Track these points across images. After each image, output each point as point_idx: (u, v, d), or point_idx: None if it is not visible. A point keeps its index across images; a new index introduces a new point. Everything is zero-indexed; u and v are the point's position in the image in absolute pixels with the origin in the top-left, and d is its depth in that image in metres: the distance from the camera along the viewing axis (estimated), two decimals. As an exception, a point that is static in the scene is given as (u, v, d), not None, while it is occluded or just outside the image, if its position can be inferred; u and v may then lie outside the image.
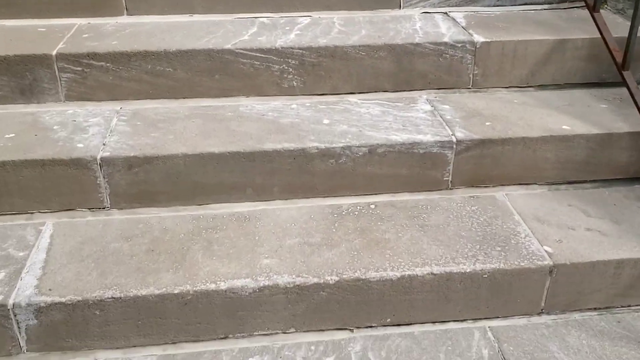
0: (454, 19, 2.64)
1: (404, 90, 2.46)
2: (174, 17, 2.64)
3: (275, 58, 2.34)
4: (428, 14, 2.71)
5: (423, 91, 2.46)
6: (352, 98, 2.42)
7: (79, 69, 2.28)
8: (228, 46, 2.32)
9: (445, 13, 2.72)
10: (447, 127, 2.19)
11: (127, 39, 2.38)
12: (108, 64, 2.28)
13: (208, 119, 2.25)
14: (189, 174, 2.05)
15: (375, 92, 2.45)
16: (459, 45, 2.40)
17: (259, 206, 2.12)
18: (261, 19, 2.63)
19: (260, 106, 2.35)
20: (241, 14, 2.67)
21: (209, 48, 2.31)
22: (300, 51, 2.34)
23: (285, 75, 2.38)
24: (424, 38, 2.41)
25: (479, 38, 2.42)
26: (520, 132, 2.17)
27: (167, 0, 2.61)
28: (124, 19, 2.61)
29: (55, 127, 2.17)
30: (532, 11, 2.76)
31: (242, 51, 2.32)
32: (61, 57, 2.25)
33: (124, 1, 2.59)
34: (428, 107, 2.34)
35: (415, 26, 2.55)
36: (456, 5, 2.76)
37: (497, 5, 2.78)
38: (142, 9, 2.62)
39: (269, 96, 2.41)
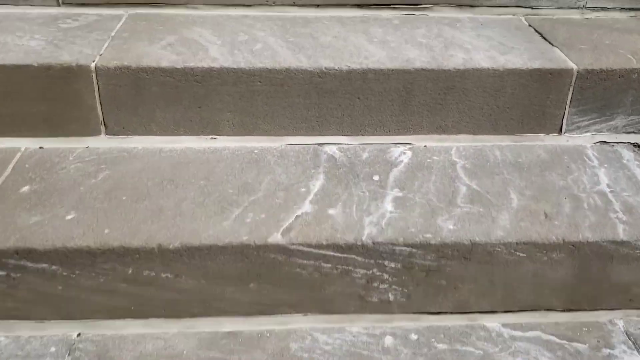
0: (657, 162, 1.54)
1: (584, 310, 1.38)
2: (186, 139, 1.57)
3: (360, 259, 1.28)
4: (608, 146, 1.61)
5: (616, 311, 1.38)
6: (492, 323, 1.35)
7: (3, 273, 1.24)
8: (276, 237, 1.25)
9: (637, 145, 1.62)
10: None
11: (94, 202, 1.33)
12: (55, 267, 1.24)
13: (234, 380, 1.20)
14: None
15: (533, 310, 1.37)
16: (697, 243, 1.31)
17: None
18: (329, 149, 1.56)
19: (329, 339, 1.29)
20: (295, 138, 1.59)
21: (241, 243, 1.24)
22: (407, 249, 1.27)
23: (376, 285, 1.31)
24: (630, 227, 1.32)
25: None
26: None
27: (175, 112, 1.55)
28: (100, 142, 1.55)
29: (-56, 403, 1.15)
30: None
31: (300, 248, 1.25)
32: (-33, 255, 1.22)
33: (100, 113, 1.54)
34: (639, 364, 1.26)
35: (599, 184, 1.46)
36: (652, 130, 1.66)
37: None
38: (131, 126, 1.56)
39: (343, 314, 1.35)
